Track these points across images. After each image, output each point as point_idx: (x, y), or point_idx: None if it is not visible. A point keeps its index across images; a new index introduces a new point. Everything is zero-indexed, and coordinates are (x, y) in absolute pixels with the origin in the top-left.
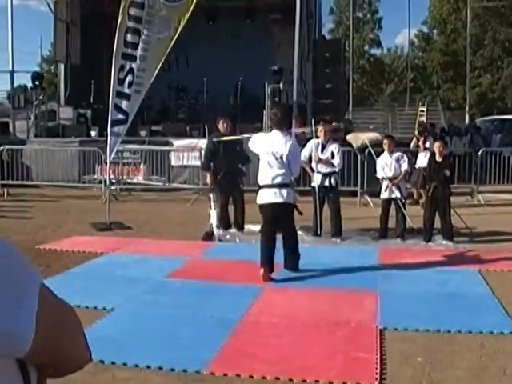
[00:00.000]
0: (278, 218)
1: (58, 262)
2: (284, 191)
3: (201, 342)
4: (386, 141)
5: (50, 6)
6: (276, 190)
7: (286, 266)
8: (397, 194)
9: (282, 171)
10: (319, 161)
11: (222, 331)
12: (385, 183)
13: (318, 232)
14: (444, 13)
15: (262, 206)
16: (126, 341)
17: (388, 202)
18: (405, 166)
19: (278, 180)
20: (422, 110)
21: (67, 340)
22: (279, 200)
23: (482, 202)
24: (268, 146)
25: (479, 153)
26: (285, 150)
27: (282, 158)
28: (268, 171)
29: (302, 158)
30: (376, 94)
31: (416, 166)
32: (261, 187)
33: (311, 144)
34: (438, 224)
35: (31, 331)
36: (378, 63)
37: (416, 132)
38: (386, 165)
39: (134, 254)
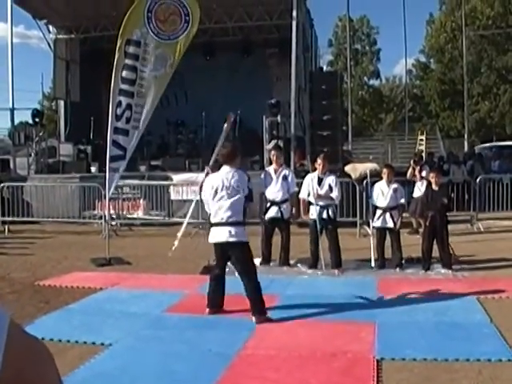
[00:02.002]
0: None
1: (58, 298)
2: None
3: (198, 376)
4: (385, 170)
5: (49, 45)
6: (228, 228)
7: None
8: (390, 224)
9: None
10: (318, 197)
11: (219, 365)
12: (378, 212)
13: (316, 264)
14: (441, 41)
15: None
16: (123, 376)
17: (382, 231)
18: (402, 200)
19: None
20: (422, 139)
21: (38, 376)
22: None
23: (482, 230)
24: (217, 182)
25: (477, 180)
26: (232, 180)
27: (229, 188)
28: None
29: (303, 196)
30: (375, 124)
31: (414, 196)
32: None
33: (308, 179)
34: (436, 253)
35: None
36: (377, 94)
37: (412, 161)
38: (382, 193)
39: (132, 289)
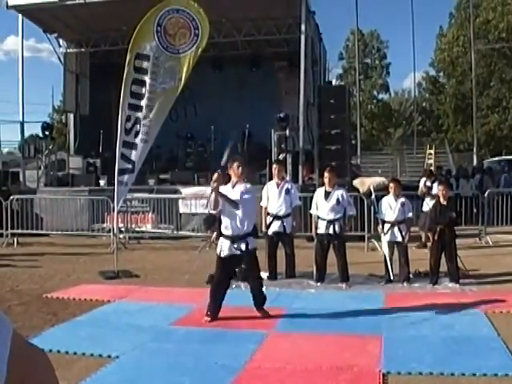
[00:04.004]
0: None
1: (65, 311)
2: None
3: None
4: (392, 184)
5: (60, 58)
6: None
7: None
8: (398, 238)
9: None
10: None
11: (225, 378)
12: (386, 226)
13: (318, 278)
14: (452, 55)
15: None
16: None
17: (391, 245)
18: (410, 214)
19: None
20: (430, 154)
21: None
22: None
23: (490, 244)
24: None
25: (486, 194)
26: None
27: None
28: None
29: (312, 211)
30: (384, 138)
31: (423, 210)
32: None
33: (317, 194)
34: (444, 267)
35: (2, 377)
36: (386, 107)
37: (425, 178)
38: (390, 207)
39: (140, 302)
